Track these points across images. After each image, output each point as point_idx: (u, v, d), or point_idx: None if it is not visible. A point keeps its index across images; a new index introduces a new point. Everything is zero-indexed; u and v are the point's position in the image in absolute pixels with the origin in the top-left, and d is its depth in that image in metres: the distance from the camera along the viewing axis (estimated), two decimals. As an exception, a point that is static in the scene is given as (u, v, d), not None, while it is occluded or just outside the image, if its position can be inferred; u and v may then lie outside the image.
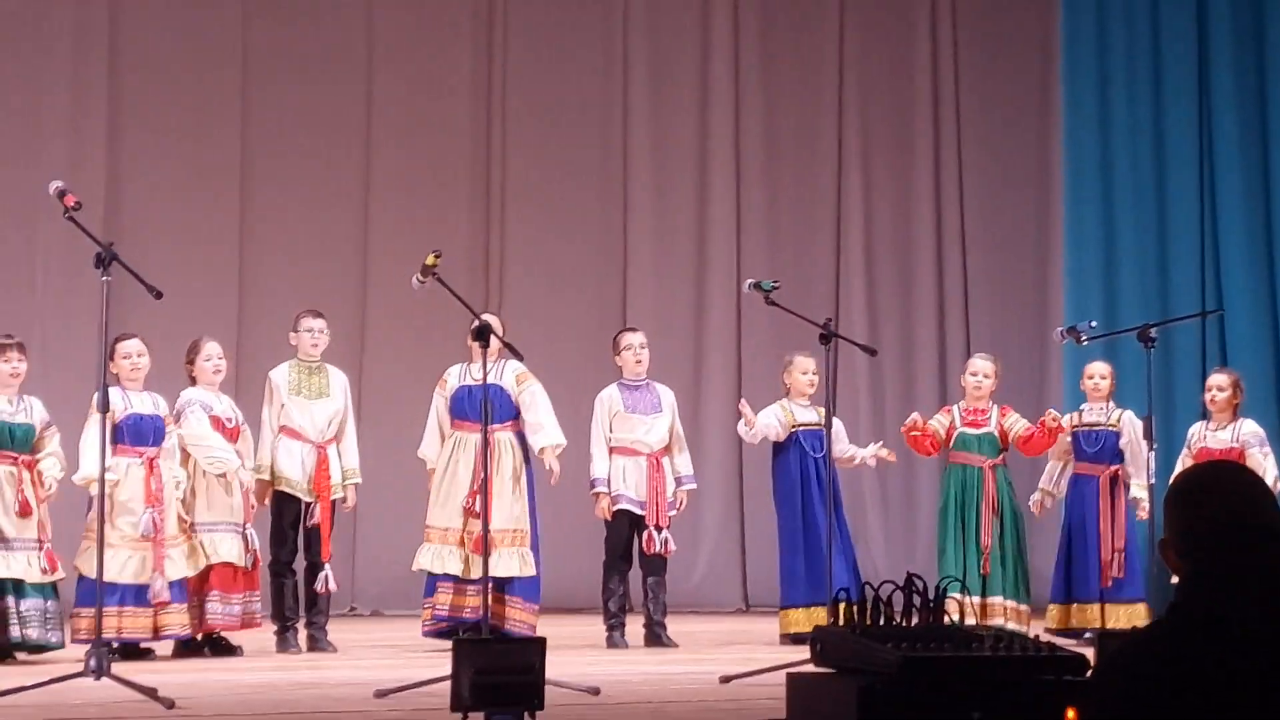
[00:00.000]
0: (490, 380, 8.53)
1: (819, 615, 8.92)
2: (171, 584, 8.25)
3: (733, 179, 13.34)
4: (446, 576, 8.59)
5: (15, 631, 8.04)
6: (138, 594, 8.16)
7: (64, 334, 11.39)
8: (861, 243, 13.44)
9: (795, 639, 8.93)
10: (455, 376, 8.84)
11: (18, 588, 8.08)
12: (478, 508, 8.33)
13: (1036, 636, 4.50)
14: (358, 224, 12.67)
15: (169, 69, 12.23)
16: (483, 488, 7.16)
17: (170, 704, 5.76)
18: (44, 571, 8.12)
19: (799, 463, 9.34)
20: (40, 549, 8.16)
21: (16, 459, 8.19)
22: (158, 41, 12.25)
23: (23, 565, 8.08)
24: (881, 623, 4.35)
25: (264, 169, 12.45)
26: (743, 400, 9.61)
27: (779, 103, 13.47)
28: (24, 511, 8.10)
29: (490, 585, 8.40)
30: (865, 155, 13.50)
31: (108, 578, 8.03)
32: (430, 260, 7.10)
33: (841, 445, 9.40)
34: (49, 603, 8.16)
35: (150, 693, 5.89)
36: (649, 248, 13.22)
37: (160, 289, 6.51)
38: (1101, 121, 12.42)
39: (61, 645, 8.14)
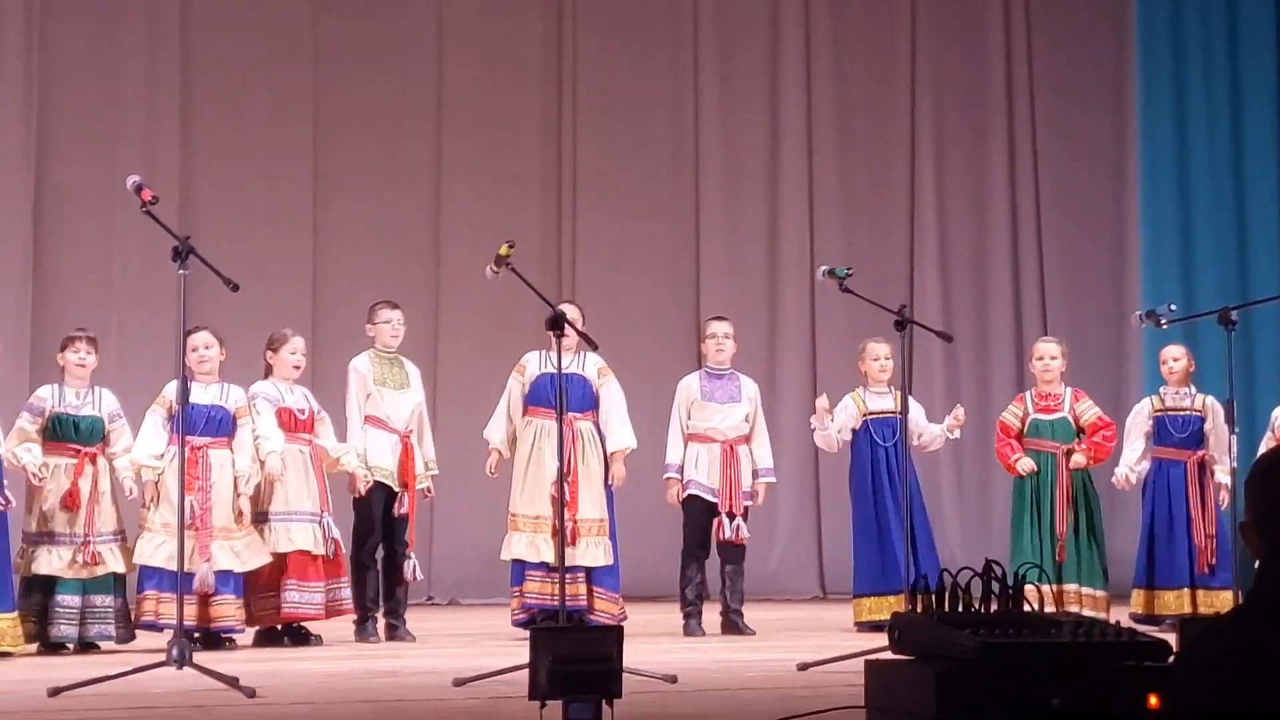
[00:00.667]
0: (573, 370, 8.66)
1: (891, 604, 8.95)
2: (220, 574, 8.26)
3: (805, 166, 13.30)
4: (539, 565, 8.59)
5: (63, 628, 8.10)
6: (186, 580, 8.19)
7: (140, 327, 11.50)
8: (935, 229, 13.37)
9: (871, 627, 8.91)
10: (535, 363, 8.84)
11: (59, 584, 8.16)
12: (563, 496, 8.44)
13: (1117, 622, 4.46)
14: (430, 215, 12.72)
15: (241, 65, 12.33)
16: (560, 477, 7.16)
17: (251, 693, 5.81)
18: (84, 565, 8.14)
19: (869, 451, 9.33)
20: (87, 544, 8.16)
21: (79, 451, 8.26)
22: (230, 38, 12.34)
23: (67, 560, 8.14)
24: (960, 609, 4.32)
25: (336, 162, 12.52)
26: (823, 396, 9.57)
27: (851, 90, 13.41)
28: (68, 504, 8.15)
29: (579, 575, 8.53)
30: (938, 142, 13.43)
31: (151, 563, 8.14)
32: (504, 250, 7.11)
33: (920, 428, 9.34)
34: (98, 597, 8.19)
35: (231, 682, 5.94)
36: (721, 236, 13.21)
37: (236, 281, 6.55)
38: (1177, 105, 12.31)
39: (112, 638, 8.18)
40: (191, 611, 8.12)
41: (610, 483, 8.75)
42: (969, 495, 13.07)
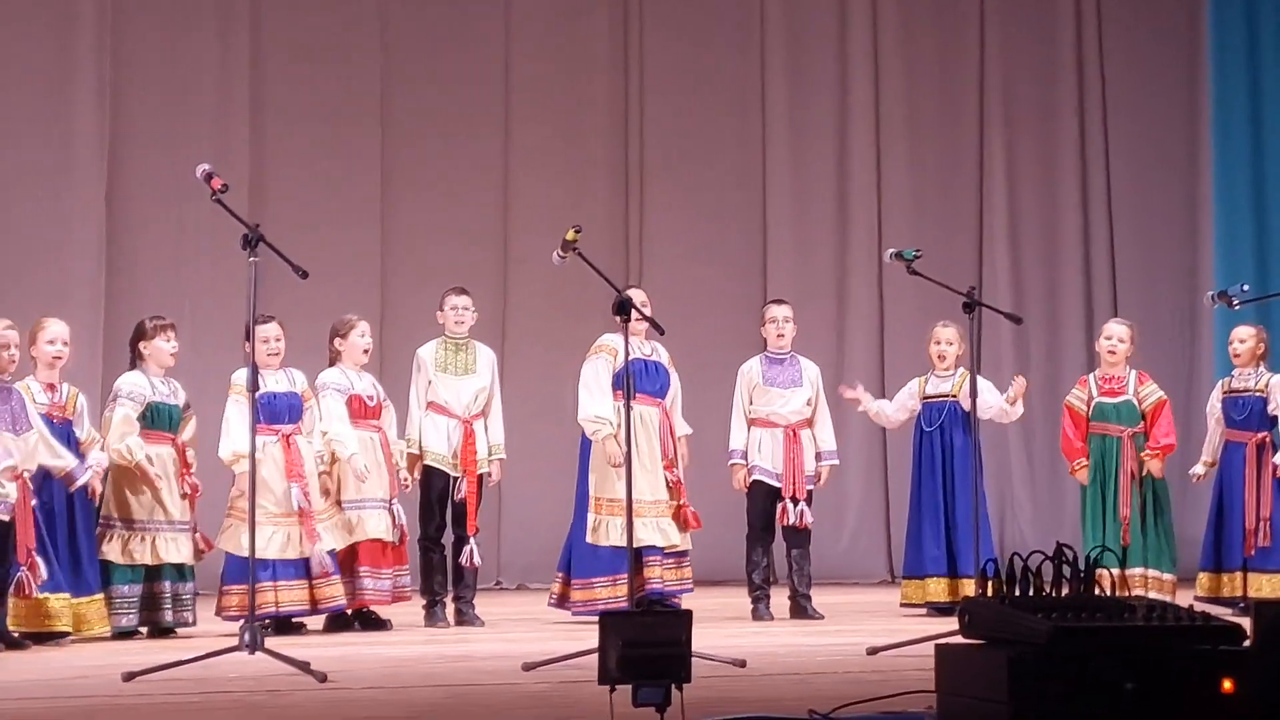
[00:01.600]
0: (653, 357, 8.74)
1: (932, 587, 9.07)
2: (329, 555, 8.38)
3: (872, 148, 13.24)
4: (652, 549, 8.63)
5: (167, 615, 8.21)
6: (287, 568, 8.28)
7: (209, 315, 11.59)
8: (1005, 210, 13.29)
9: (940, 609, 8.89)
10: (622, 349, 8.81)
11: (179, 571, 8.25)
12: (671, 480, 8.66)
13: (1190, 606, 4.42)
14: (498, 201, 12.75)
15: (310, 53, 12.39)
16: (626, 461, 7.16)
17: (323, 678, 5.85)
18: (192, 554, 8.31)
19: (918, 435, 9.33)
20: (191, 532, 8.34)
21: (173, 440, 8.36)
22: (299, 26, 12.41)
23: (188, 549, 8.26)
24: (1031, 593, 4.29)
25: (404, 149, 12.56)
26: (858, 386, 9.60)
27: (919, 70, 13.34)
28: (185, 494, 8.30)
29: (662, 558, 8.61)
30: (1008, 122, 13.34)
31: (264, 555, 8.19)
32: (570, 236, 7.11)
33: (987, 403, 9.28)
34: (191, 584, 8.31)
35: (303, 666, 5.98)
36: (789, 219, 13.17)
37: (305, 269, 6.58)
38: (1251, 82, 12.18)
39: (190, 623, 8.28)
40: (305, 595, 8.22)
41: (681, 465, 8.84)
42: (1040, 477, 12.99)
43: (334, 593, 8.38)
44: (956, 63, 13.36)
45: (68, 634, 7.84)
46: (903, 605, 9.31)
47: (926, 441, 9.34)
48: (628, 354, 7.11)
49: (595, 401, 8.72)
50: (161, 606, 8.20)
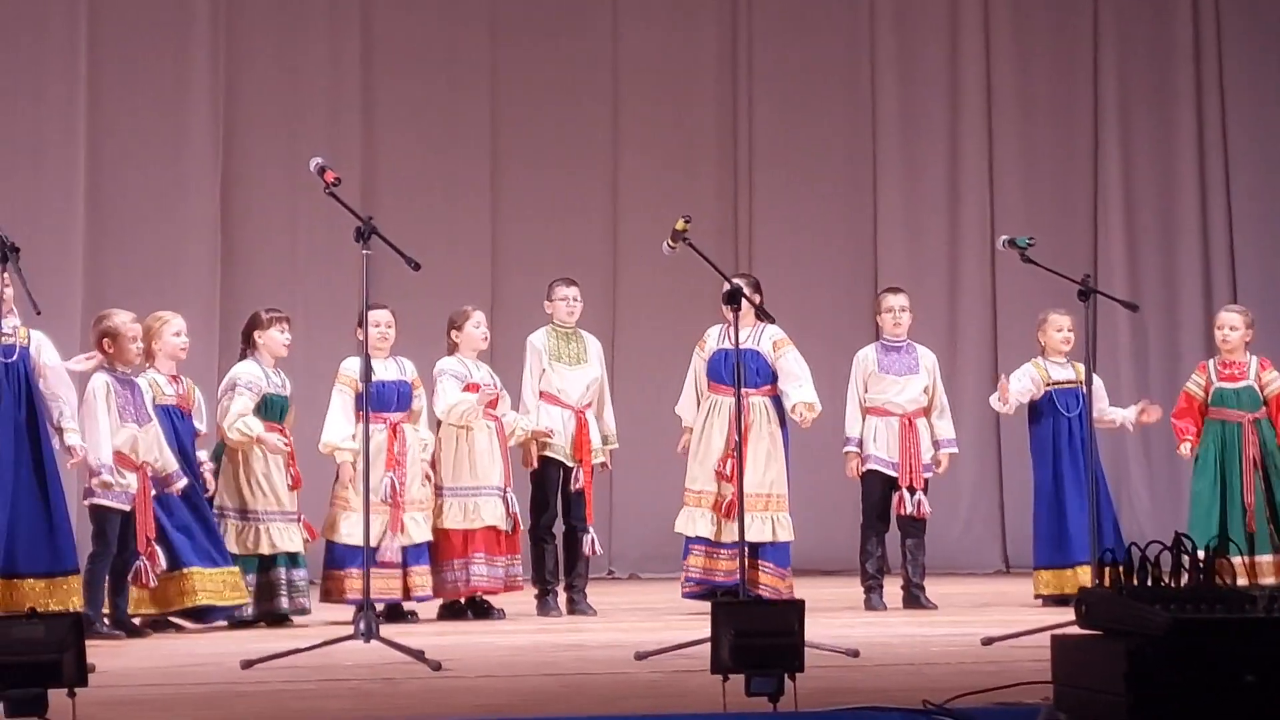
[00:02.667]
0: (748, 345, 8.64)
1: (1068, 577, 8.86)
2: (415, 547, 8.41)
3: (984, 134, 13.13)
4: (699, 539, 8.63)
5: (284, 602, 8.31)
6: (387, 556, 8.35)
7: (322, 307, 11.70)
8: (1120, 195, 13.13)
9: (1055, 600, 8.79)
10: (715, 338, 8.85)
11: (292, 559, 8.36)
12: (728, 471, 8.41)
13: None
14: (607, 190, 12.78)
15: (419, 45, 12.48)
16: (737, 451, 7.15)
17: (437, 666, 5.89)
18: (298, 540, 8.42)
19: (1052, 422, 9.19)
20: (299, 520, 8.44)
21: (281, 430, 8.46)
22: (409, 18, 12.51)
23: (299, 537, 8.37)
24: (1149, 584, 4.23)
25: (513, 138, 12.62)
26: (1005, 377, 9.43)
27: (1032, 54, 13.21)
28: (293, 485, 8.39)
29: (744, 550, 8.54)
30: (1123, 106, 13.18)
31: (351, 541, 8.28)
32: (680, 225, 7.11)
33: (1101, 405, 9.20)
34: (289, 571, 8.38)
35: (418, 655, 6.02)
36: (900, 206, 13.09)
37: (417, 260, 6.62)
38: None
39: (307, 610, 8.38)
40: (399, 584, 8.29)
41: (801, 424, 8.70)
42: (1158, 467, 12.82)
43: (420, 583, 8.43)
44: (1070, 46, 13.22)
45: (216, 608, 7.98)
46: (1040, 596, 9.08)
47: (1065, 427, 9.16)
48: (736, 343, 7.07)
49: (682, 399, 8.90)
50: (278, 594, 8.30)
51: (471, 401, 8.51)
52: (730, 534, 8.39)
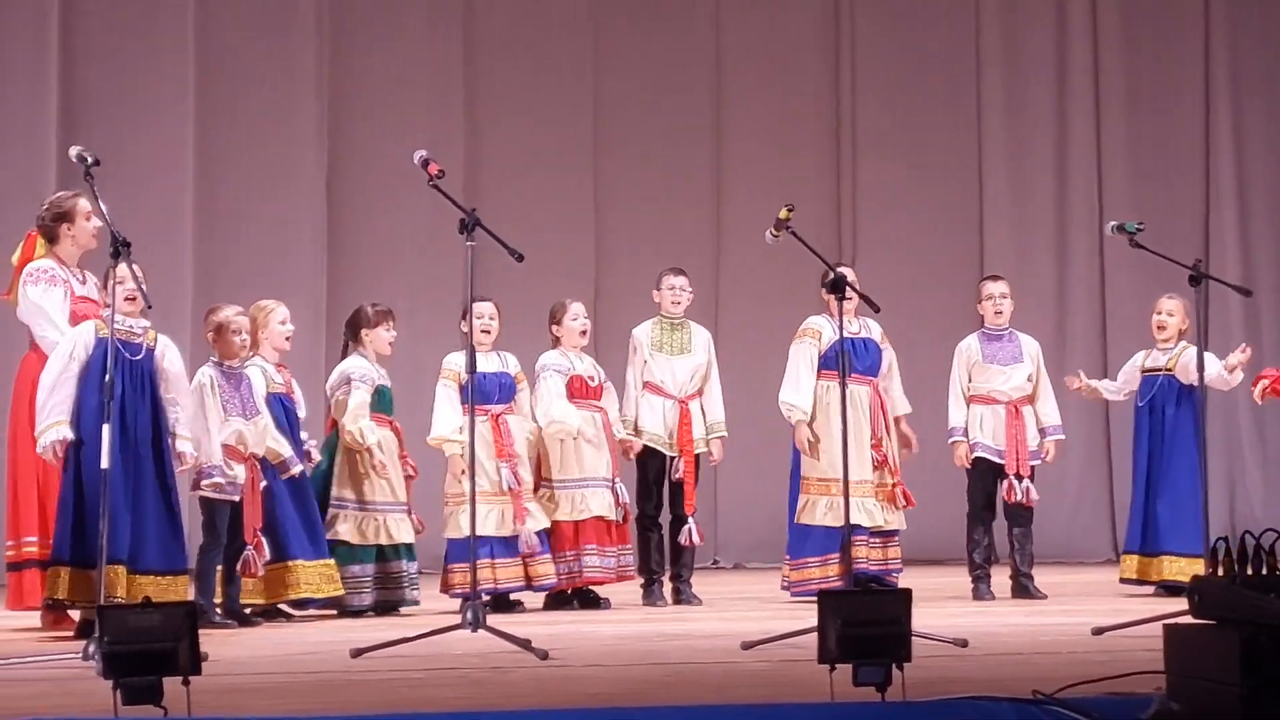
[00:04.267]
0: (863, 335, 8.65)
1: (1153, 565, 8.83)
2: (537, 535, 8.48)
3: (1092, 117, 12.99)
4: (857, 528, 8.59)
5: (406, 592, 8.40)
6: (504, 545, 8.40)
7: (424, 301, 11.78)
8: (1233, 180, 12.94)
9: (1169, 589, 8.69)
10: (829, 328, 8.78)
11: (407, 550, 8.43)
12: (876, 460, 8.59)
13: None
14: (710, 178, 12.78)
15: (522, 35, 12.54)
16: (844, 440, 7.12)
17: (544, 655, 5.91)
18: (409, 532, 8.48)
19: (1148, 409, 9.08)
20: (409, 512, 8.51)
21: (391, 422, 8.54)
22: (510, 5, 12.57)
23: (411, 528, 8.43)
24: (1263, 572, 4.17)
25: (616, 128, 12.65)
26: (1079, 374, 9.38)
27: (1141, 37, 13.05)
28: (408, 477, 8.48)
29: (872, 539, 8.57)
30: (1235, 90, 12.99)
31: (481, 533, 8.31)
32: (783, 214, 7.09)
33: (1211, 373, 9.04)
34: (400, 563, 8.46)
35: (524, 644, 6.05)
36: (1006, 192, 12.98)
37: (520, 252, 6.64)
38: None
39: (417, 602, 8.44)
40: (520, 572, 8.33)
41: (906, 449, 8.86)
42: (1272, 453, 12.63)
43: (546, 570, 8.47)
44: (1179, 29, 13.04)
45: (313, 600, 8.09)
46: (1125, 580, 9.08)
47: (1140, 416, 9.12)
48: (841, 332, 7.05)
49: (789, 386, 8.79)
50: (400, 584, 8.39)
51: (568, 429, 8.53)
52: (892, 522, 8.64)
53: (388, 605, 8.37)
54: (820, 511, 8.63)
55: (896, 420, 8.86)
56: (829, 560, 8.60)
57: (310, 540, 8.11)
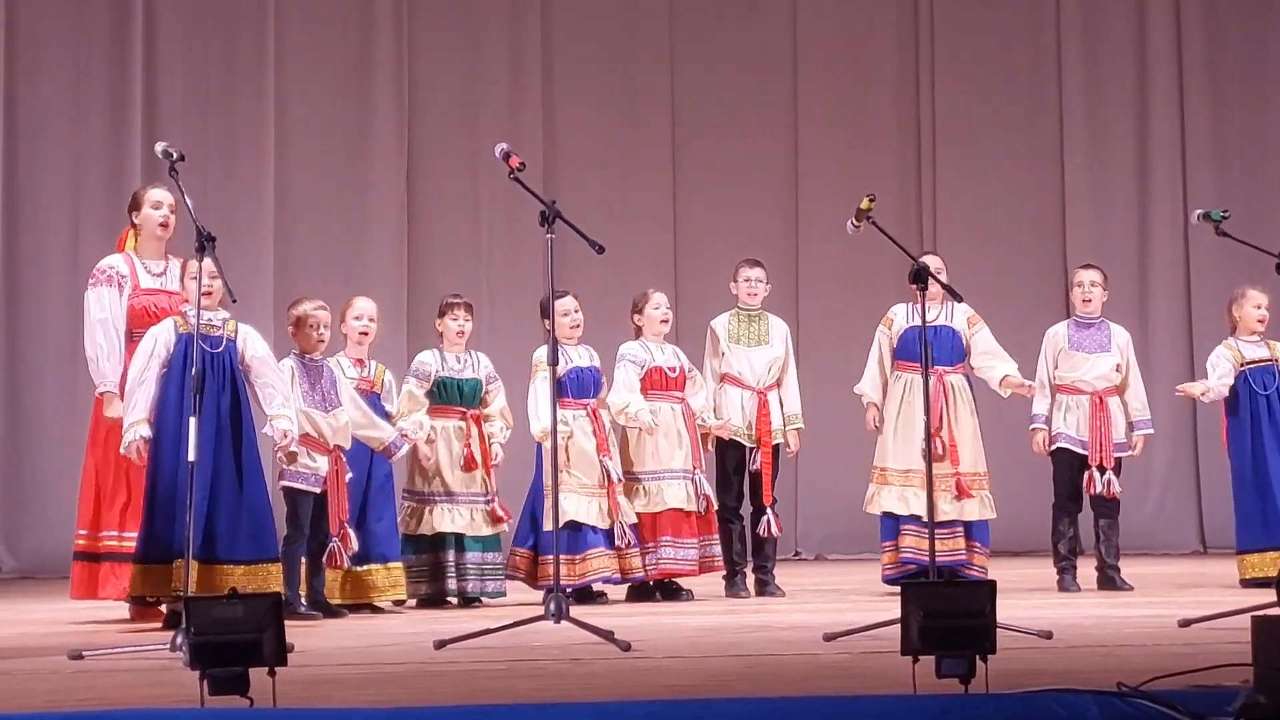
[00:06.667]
0: (941, 322, 8.62)
1: (1275, 559, 8.64)
2: (631, 527, 8.49)
3: (1175, 105, 12.85)
4: (913, 519, 8.55)
5: (451, 584, 8.39)
6: (598, 537, 8.41)
7: (505, 294, 11.83)
8: (1322, 168, 12.77)
9: (1257, 583, 8.58)
10: (902, 316, 8.77)
11: (458, 541, 8.43)
12: (938, 450, 8.39)
13: None
14: (788, 169, 12.75)
15: (599, 26, 12.56)
16: (928, 431, 7.09)
17: (626, 646, 5.92)
18: (487, 524, 8.46)
19: (1249, 402, 8.95)
20: (485, 503, 8.50)
21: (465, 414, 8.54)
22: (588, 3, 12.57)
23: (466, 519, 8.43)
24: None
25: (693, 118, 12.64)
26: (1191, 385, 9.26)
27: (1225, 22, 12.91)
28: (468, 466, 8.46)
29: (958, 530, 8.48)
30: (1323, 73, 12.81)
31: (581, 520, 8.35)
32: (864, 204, 7.06)
33: None
34: (489, 554, 8.47)
35: (607, 635, 6.06)
36: (1087, 180, 12.87)
37: (601, 243, 6.64)
38: None
39: (502, 594, 8.45)
40: (615, 564, 8.36)
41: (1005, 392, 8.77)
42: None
43: (638, 563, 8.50)
44: (1263, 12, 12.87)
45: (383, 608, 8.15)
46: (1245, 580, 8.85)
47: (1263, 406, 8.93)
48: (924, 321, 7.00)
49: (864, 377, 8.82)
50: (463, 576, 8.38)
51: (642, 420, 8.52)
52: (953, 513, 8.49)
53: (461, 596, 8.40)
54: (888, 500, 8.64)
55: (1004, 380, 8.71)
56: (885, 547, 8.67)
57: (387, 544, 8.17)
